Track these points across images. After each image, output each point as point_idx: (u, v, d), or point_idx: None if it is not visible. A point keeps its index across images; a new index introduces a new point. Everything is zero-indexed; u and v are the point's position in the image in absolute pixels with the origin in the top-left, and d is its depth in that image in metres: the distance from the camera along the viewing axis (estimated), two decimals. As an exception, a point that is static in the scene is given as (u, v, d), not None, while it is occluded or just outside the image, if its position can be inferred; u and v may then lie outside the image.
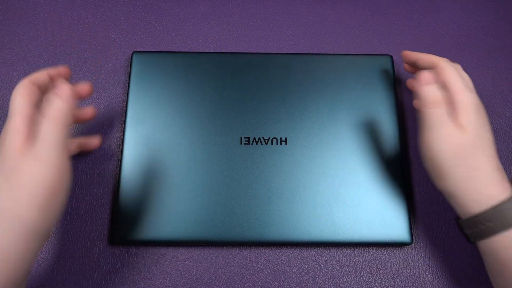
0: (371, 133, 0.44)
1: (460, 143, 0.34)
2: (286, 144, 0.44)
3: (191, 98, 0.45)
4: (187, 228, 0.41)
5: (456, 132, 0.34)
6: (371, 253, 0.43)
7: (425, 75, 0.36)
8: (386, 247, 0.44)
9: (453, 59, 0.52)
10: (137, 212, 0.41)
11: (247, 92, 0.46)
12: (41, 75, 0.35)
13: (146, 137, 0.43)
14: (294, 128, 0.44)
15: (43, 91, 0.35)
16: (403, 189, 0.43)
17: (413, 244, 0.44)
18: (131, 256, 0.42)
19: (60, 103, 0.33)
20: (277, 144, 0.44)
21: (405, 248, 0.44)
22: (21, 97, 0.32)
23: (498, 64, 0.51)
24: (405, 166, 0.46)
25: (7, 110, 0.46)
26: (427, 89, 0.36)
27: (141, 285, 0.42)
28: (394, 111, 0.45)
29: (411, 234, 0.42)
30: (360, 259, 0.43)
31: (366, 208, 0.42)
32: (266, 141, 0.44)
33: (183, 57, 0.47)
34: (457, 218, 0.37)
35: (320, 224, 0.41)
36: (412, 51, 0.48)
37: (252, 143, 0.44)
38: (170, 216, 0.41)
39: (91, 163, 0.45)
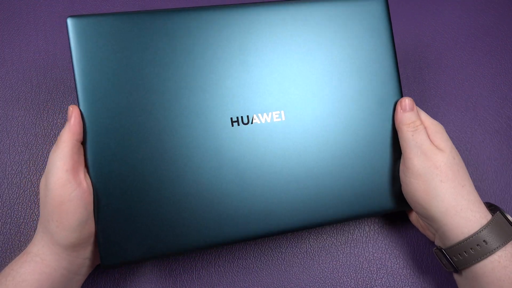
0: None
1: (444, 161, 0.35)
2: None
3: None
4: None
5: (438, 152, 0.36)
6: (370, 251, 0.43)
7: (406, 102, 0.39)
8: (389, 243, 0.44)
9: (453, 59, 0.52)
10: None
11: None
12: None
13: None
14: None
15: None
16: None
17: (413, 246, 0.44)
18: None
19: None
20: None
21: (405, 247, 0.44)
22: None
23: (498, 64, 0.51)
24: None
25: (7, 110, 0.46)
26: (408, 114, 0.38)
27: None
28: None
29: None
30: (360, 258, 0.43)
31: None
32: (262, 118, 0.37)
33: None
34: (439, 248, 0.36)
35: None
36: (412, 50, 0.48)
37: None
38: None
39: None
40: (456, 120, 0.49)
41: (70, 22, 0.35)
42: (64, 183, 0.32)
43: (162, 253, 0.35)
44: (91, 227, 0.34)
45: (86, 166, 0.35)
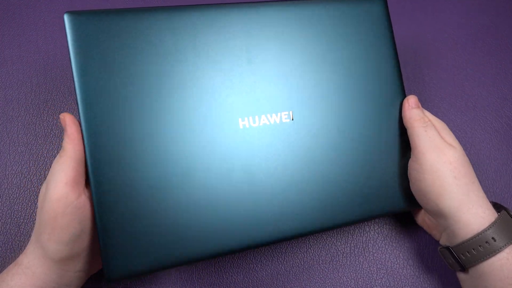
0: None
1: (457, 157, 0.35)
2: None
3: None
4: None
5: (450, 147, 0.36)
6: (370, 251, 0.43)
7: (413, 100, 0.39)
8: (388, 246, 0.44)
9: (453, 58, 0.52)
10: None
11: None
12: None
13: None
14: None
15: None
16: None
17: (414, 243, 0.44)
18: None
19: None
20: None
21: (405, 247, 0.44)
22: None
23: (498, 64, 0.51)
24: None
25: (7, 111, 0.46)
26: (416, 111, 0.39)
27: None
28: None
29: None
30: (360, 258, 0.43)
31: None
32: (270, 119, 0.37)
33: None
34: (445, 246, 0.36)
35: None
36: (413, 50, 0.48)
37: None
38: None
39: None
40: (456, 120, 0.49)
41: (67, 17, 0.33)
42: (61, 197, 0.32)
43: (170, 264, 0.33)
44: (83, 241, 0.33)
45: (87, 173, 0.33)
